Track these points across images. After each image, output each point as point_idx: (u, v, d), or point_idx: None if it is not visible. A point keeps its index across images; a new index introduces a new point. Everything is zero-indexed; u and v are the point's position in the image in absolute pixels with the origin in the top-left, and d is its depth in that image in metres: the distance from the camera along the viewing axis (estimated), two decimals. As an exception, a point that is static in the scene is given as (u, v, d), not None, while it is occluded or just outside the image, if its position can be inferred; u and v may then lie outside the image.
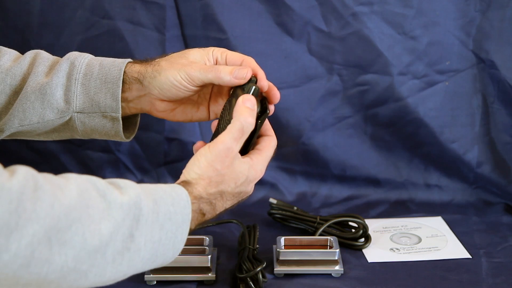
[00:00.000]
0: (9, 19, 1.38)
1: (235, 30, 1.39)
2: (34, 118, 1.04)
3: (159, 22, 1.39)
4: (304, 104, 1.43)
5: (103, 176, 1.44)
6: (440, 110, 1.42)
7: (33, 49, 1.37)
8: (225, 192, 0.94)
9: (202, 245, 1.16)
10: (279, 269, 1.13)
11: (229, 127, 0.94)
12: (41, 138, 1.09)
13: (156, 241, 0.84)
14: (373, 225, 1.30)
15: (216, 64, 1.04)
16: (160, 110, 1.06)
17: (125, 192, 0.83)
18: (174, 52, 1.05)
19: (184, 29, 1.40)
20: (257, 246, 1.17)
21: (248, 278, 1.07)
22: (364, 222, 1.23)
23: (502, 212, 1.38)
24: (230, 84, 1.00)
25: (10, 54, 1.09)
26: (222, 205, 0.95)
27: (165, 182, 1.44)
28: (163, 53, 1.39)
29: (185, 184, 0.92)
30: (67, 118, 1.04)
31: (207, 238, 1.17)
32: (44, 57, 1.07)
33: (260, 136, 1.01)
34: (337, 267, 1.13)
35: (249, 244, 1.15)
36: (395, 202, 1.43)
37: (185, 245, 1.11)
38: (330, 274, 1.13)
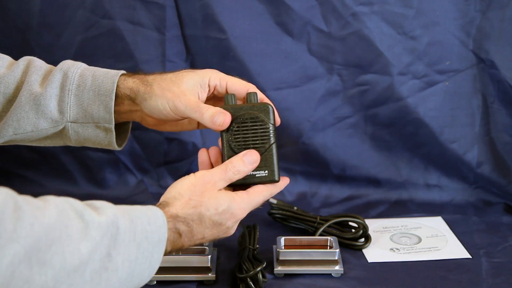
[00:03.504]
0: (9, 19, 1.38)
1: (235, 30, 1.39)
2: (28, 127, 1.05)
3: (159, 22, 1.39)
4: (304, 104, 1.43)
5: (104, 176, 1.45)
6: (440, 110, 1.42)
7: (33, 49, 1.38)
8: (204, 216, 0.94)
9: (202, 245, 1.16)
10: (279, 269, 1.13)
11: (223, 167, 0.98)
12: (34, 144, 1.10)
13: (133, 260, 0.84)
14: (373, 225, 1.30)
15: (214, 90, 1.05)
16: (151, 124, 1.09)
17: (102, 212, 0.83)
18: (169, 72, 1.06)
19: (184, 29, 1.40)
20: (257, 246, 1.17)
21: (248, 278, 1.07)
22: (364, 222, 1.23)
23: (502, 212, 1.38)
24: (210, 127, 1.02)
25: (3, 60, 1.09)
26: (201, 231, 0.95)
27: (165, 182, 1.45)
28: (163, 53, 1.40)
29: (162, 205, 0.93)
30: (61, 127, 1.05)
31: (207, 238, 1.17)
32: (37, 65, 1.08)
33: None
34: (337, 267, 1.13)
35: (249, 244, 1.15)
36: (395, 202, 1.43)
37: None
38: (330, 274, 1.13)
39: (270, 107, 1.02)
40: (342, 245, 1.21)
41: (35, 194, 1.41)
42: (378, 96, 1.42)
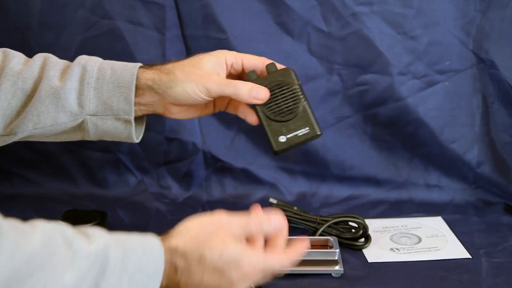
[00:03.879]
0: (9, 19, 1.38)
1: (235, 30, 1.39)
2: (48, 121, 1.06)
3: (159, 22, 1.39)
4: (304, 104, 1.43)
5: (104, 176, 1.45)
6: (440, 110, 1.42)
7: (33, 49, 1.38)
8: (206, 257, 0.84)
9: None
10: (278, 268, 1.13)
11: (246, 218, 0.88)
12: (50, 140, 1.10)
13: None
14: (373, 225, 1.30)
15: (231, 68, 1.07)
16: (174, 112, 1.08)
17: (93, 240, 0.78)
18: (183, 59, 1.07)
19: (184, 29, 1.40)
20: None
21: (248, 278, 1.07)
22: (364, 222, 1.23)
23: (502, 212, 1.38)
24: (248, 102, 1.04)
25: (19, 57, 1.09)
26: (200, 272, 0.84)
27: (165, 182, 1.45)
28: (163, 53, 1.40)
29: (163, 236, 0.86)
30: (80, 120, 1.06)
31: (207, 238, 1.17)
32: (53, 61, 1.08)
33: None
34: (337, 267, 1.13)
35: (249, 244, 1.15)
36: (395, 202, 1.42)
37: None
38: (330, 274, 1.13)
39: (291, 70, 1.08)
40: (342, 245, 1.21)
41: (35, 194, 1.42)
42: (378, 96, 1.42)
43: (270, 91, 1.06)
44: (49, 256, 0.74)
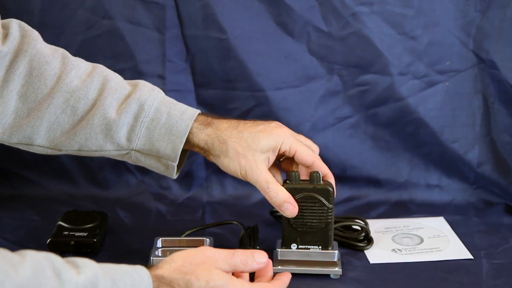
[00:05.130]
0: (9, 19, 1.38)
1: (235, 30, 1.38)
2: (94, 147, 1.09)
3: (159, 22, 1.39)
4: (304, 104, 1.43)
5: (104, 177, 1.45)
6: (440, 110, 1.42)
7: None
8: (192, 285, 0.88)
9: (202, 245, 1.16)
10: (278, 268, 1.12)
11: (232, 252, 0.94)
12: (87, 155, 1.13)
13: None
14: (375, 225, 1.30)
15: (280, 154, 1.11)
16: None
17: (82, 271, 0.80)
18: (244, 123, 1.11)
19: (184, 29, 1.40)
20: (258, 247, 1.17)
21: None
22: (367, 226, 1.23)
23: (503, 213, 1.38)
24: (273, 205, 1.09)
25: (77, 69, 1.09)
26: None
27: (165, 182, 1.45)
28: (163, 53, 1.40)
29: (151, 267, 0.89)
30: (125, 152, 1.09)
31: (208, 239, 1.17)
32: (113, 86, 1.09)
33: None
34: (336, 269, 1.13)
35: (250, 246, 1.15)
36: (395, 203, 1.42)
37: (185, 246, 1.12)
38: (329, 275, 1.13)
39: (330, 190, 1.10)
40: (343, 246, 1.21)
41: (36, 194, 1.42)
42: (378, 96, 1.42)
43: (301, 202, 1.10)
44: (38, 286, 0.75)
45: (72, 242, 1.19)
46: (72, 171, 1.45)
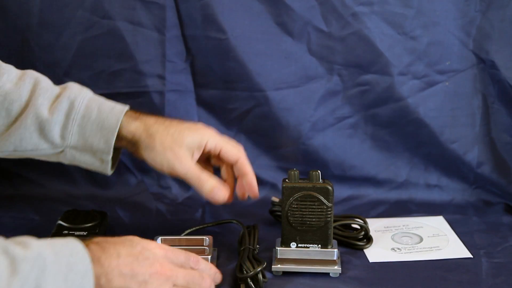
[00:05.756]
0: (9, 19, 1.38)
1: (235, 30, 1.38)
2: (29, 146, 1.11)
3: (159, 22, 1.39)
4: (304, 104, 1.43)
5: (104, 176, 1.42)
6: (440, 110, 1.42)
7: (33, 49, 1.38)
8: (117, 240, 0.93)
9: (202, 245, 1.16)
10: (278, 266, 1.13)
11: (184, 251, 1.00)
12: (24, 157, 1.15)
13: None
14: (375, 224, 1.30)
15: (207, 152, 1.13)
16: (147, 161, 1.13)
17: (27, 246, 0.82)
18: (170, 121, 1.13)
19: (184, 29, 1.40)
20: (257, 246, 1.17)
21: (248, 279, 1.07)
22: (367, 225, 1.23)
23: (502, 212, 1.38)
24: (207, 199, 1.12)
25: (9, 73, 1.12)
26: (115, 256, 0.90)
27: (165, 182, 1.45)
28: (163, 53, 1.40)
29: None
30: (60, 150, 1.11)
31: (207, 238, 1.17)
32: (44, 87, 1.12)
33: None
34: (335, 267, 1.13)
35: (249, 244, 1.15)
36: (395, 202, 1.42)
37: (185, 245, 1.12)
38: (329, 274, 1.13)
39: (330, 189, 1.11)
40: (343, 245, 1.21)
41: (35, 194, 1.42)
42: (378, 96, 1.42)
43: (301, 201, 1.11)
44: None
45: (72, 242, 1.19)
46: (72, 171, 1.45)
